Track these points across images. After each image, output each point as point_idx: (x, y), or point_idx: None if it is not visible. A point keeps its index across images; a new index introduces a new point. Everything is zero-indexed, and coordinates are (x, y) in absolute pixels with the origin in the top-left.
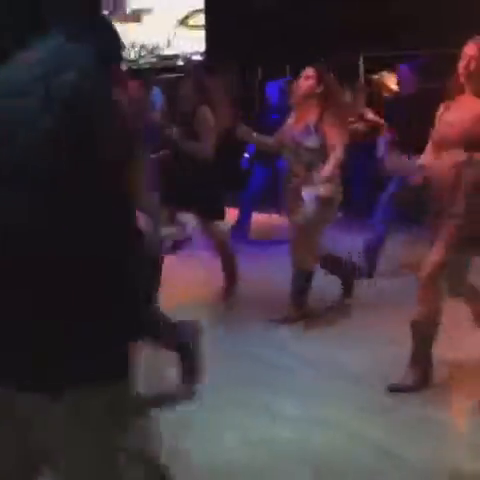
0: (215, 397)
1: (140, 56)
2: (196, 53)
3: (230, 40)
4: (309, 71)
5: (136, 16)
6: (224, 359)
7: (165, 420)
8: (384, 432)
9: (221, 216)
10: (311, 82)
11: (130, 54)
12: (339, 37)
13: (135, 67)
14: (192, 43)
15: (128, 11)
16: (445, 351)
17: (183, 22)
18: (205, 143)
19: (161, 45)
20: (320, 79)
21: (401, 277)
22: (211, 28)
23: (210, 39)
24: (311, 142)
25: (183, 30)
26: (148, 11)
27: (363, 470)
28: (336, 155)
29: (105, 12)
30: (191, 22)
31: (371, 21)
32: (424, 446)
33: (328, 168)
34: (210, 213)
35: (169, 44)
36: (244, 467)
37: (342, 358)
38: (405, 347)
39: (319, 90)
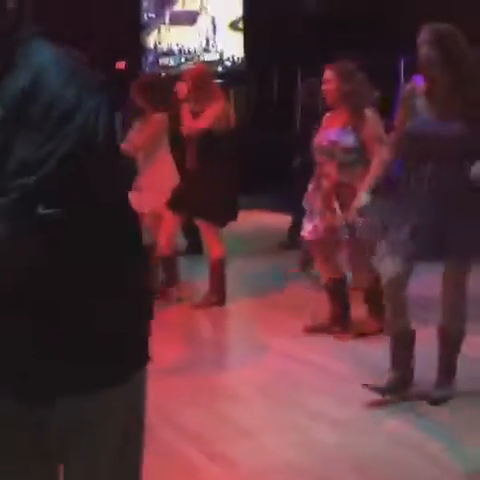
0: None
1: (180, 62)
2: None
3: (268, 43)
4: (327, 74)
5: (190, 19)
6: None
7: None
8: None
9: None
10: (331, 86)
11: (169, 61)
12: (377, 37)
13: (174, 73)
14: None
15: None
16: None
17: (232, 25)
18: None
19: (199, 50)
20: (341, 79)
21: None
22: (250, 32)
23: (249, 43)
24: (348, 142)
25: (231, 33)
26: (197, 13)
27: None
28: (380, 157)
29: (151, 15)
30: (241, 25)
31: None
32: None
33: (370, 174)
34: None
35: (210, 48)
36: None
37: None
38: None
39: (343, 90)
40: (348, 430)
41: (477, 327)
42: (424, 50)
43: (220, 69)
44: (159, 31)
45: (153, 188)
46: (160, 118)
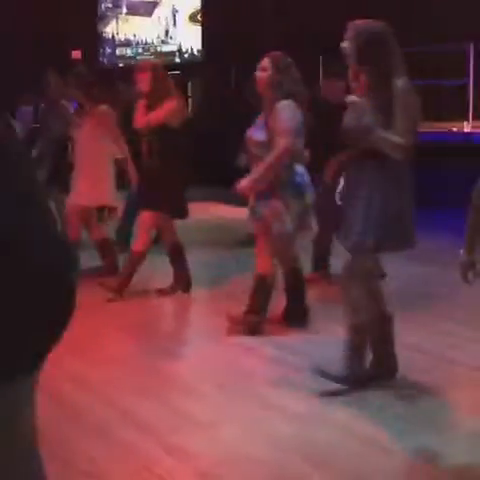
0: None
1: (137, 53)
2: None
3: (227, 36)
4: (264, 62)
5: (148, 10)
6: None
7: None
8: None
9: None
10: (264, 74)
11: (126, 51)
12: None
13: (133, 63)
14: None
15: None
16: None
17: (192, 18)
18: None
19: (156, 42)
20: (275, 69)
21: None
22: (209, 25)
23: (207, 35)
24: (259, 136)
25: (190, 26)
26: (155, 4)
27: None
28: (275, 151)
29: (108, 5)
30: (199, 17)
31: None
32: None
33: (259, 167)
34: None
35: (168, 40)
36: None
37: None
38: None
39: (273, 80)
40: (303, 421)
41: (433, 325)
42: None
43: (178, 60)
44: (117, 21)
45: (90, 183)
46: (103, 111)
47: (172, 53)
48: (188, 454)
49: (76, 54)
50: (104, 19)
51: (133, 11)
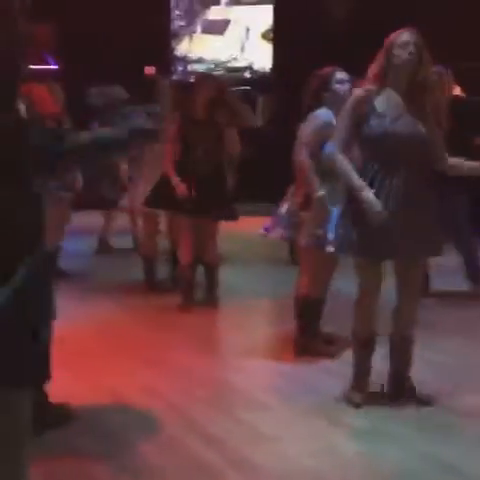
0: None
1: (209, 69)
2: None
3: (298, 55)
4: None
5: (221, 28)
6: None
7: (234, 430)
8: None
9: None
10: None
11: (199, 68)
12: None
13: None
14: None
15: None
16: None
17: (265, 35)
18: None
19: (228, 58)
20: None
21: None
22: (279, 43)
23: (278, 53)
24: None
25: (262, 43)
26: (227, 23)
27: None
28: None
29: (181, 24)
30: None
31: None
32: None
33: None
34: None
35: (240, 57)
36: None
37: None
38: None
39: None
40: (369, 439)
41: None
42: (410, 50)
43: (248, 76)
44: (190, 39)
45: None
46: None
47: (243, 69)
48: (253, 468)
49: (149, 70)
50: (177, 37)
51: (207, 30)
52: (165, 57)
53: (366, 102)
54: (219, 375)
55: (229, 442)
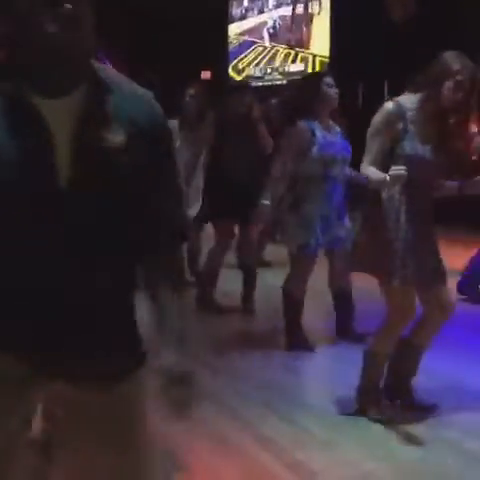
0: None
1: (266, 73)
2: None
3: (354, 57)
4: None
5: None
6: None
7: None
8: None
9: None
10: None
11: (254, 71)
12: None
13: (260, 84)
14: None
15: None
16: None
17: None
18: None
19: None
20: None
21: None
22: (336, 43)
23: (334, 56)
24: None
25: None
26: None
27: None
28: None
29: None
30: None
31: None
32: None
33: None
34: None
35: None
36: None
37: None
38: None
39: None
40: (424, 444)
41: None
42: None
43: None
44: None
45: None
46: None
47: (299, 72)
48: (309, 471)
49: (205, 74)
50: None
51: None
52: (222, 62)
53: (399, 119)
54: (271, 377)
55: (284, 445)
